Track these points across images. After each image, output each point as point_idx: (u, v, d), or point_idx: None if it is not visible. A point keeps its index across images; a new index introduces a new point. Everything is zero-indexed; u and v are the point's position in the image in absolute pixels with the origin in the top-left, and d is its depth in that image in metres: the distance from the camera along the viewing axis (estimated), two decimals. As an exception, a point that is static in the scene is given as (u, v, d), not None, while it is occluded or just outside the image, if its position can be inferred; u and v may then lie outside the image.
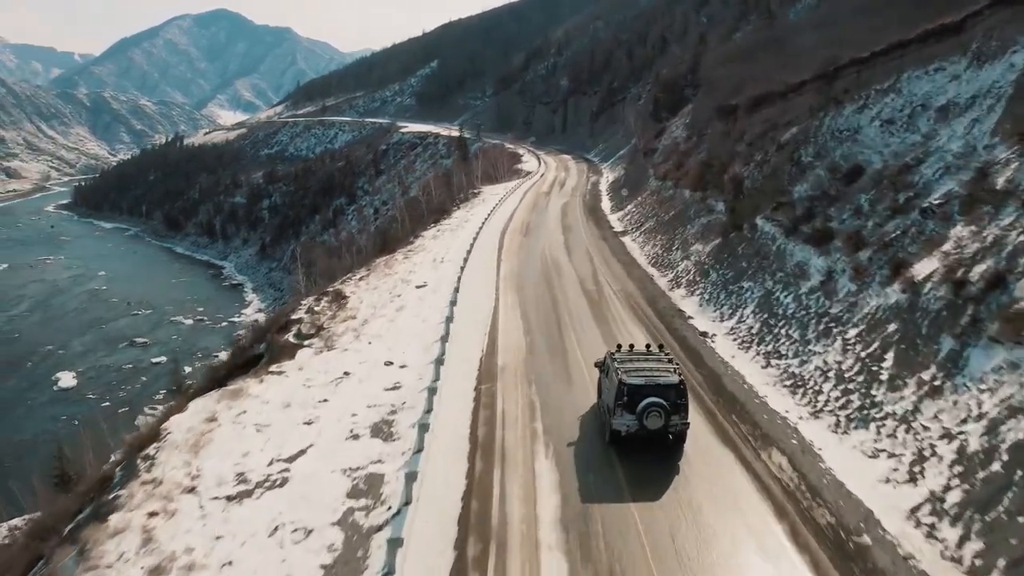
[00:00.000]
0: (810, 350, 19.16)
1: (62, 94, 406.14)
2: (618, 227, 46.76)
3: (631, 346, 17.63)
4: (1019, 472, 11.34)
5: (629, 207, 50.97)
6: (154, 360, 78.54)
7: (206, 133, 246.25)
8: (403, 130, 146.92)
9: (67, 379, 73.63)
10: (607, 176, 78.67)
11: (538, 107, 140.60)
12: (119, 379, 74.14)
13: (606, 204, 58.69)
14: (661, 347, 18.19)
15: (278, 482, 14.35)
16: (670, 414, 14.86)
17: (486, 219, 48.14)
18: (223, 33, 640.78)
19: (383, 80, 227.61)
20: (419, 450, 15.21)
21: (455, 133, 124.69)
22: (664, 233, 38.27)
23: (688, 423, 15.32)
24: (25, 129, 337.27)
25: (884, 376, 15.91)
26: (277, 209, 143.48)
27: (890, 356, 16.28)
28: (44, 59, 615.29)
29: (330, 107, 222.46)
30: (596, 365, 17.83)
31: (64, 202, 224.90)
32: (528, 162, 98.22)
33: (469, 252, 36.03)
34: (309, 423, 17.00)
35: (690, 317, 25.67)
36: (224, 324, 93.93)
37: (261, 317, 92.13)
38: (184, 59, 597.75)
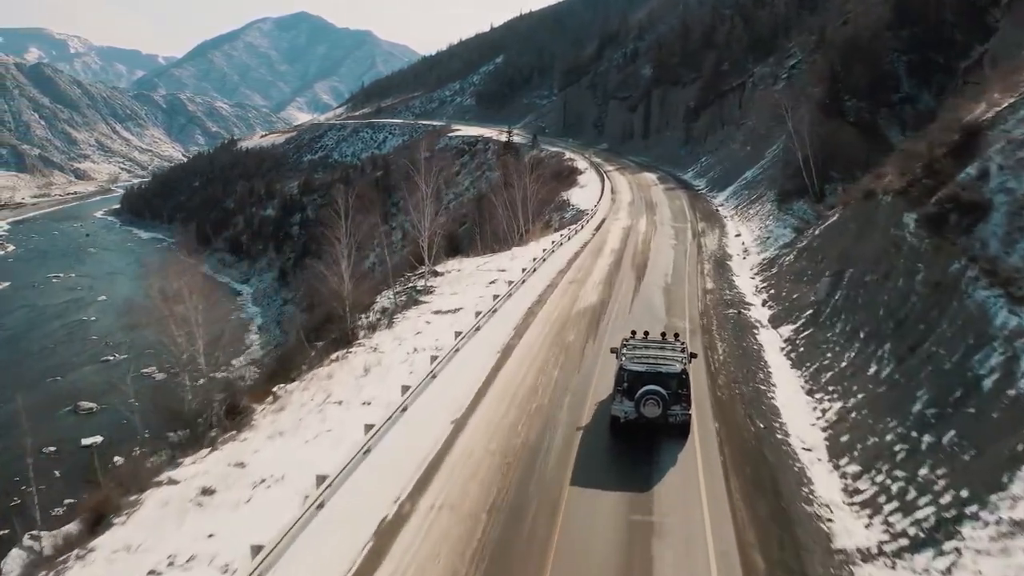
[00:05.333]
0: None
1: (138, 95, 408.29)
2: None
3: (646, 333, 17.51)
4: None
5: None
6: (85, 442, 59.46)
7: (262, 136, 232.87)
8: (451, 134, 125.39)
9: (-36, 469, 55.33)
10: (734, 233, 42.88)
11: (611, 103, 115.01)
12: (31, 470, 55.31)
13: (814, 442, 16.47)
14: (677, 335, 17.63)
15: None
16: (669, 404, 14.57)
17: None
18: (303, 36, 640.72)
19: (443, 79, 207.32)
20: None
21: (506, 138, 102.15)
22: None
23: (690, 414, 14.97)
24: (98, 130, 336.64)
25: None
26: (309, 224, 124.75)
27: None
28: (128, 61, 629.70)
29: (385, 108, 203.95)
30: (612, 351, 17.49)
31: (116, 207, 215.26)
32: (586, 186, 63.66)
33: None
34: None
35: None
36: (201, 382, 74.30)
37: (251, 371, 73.24)
38: (264, 62, 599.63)
